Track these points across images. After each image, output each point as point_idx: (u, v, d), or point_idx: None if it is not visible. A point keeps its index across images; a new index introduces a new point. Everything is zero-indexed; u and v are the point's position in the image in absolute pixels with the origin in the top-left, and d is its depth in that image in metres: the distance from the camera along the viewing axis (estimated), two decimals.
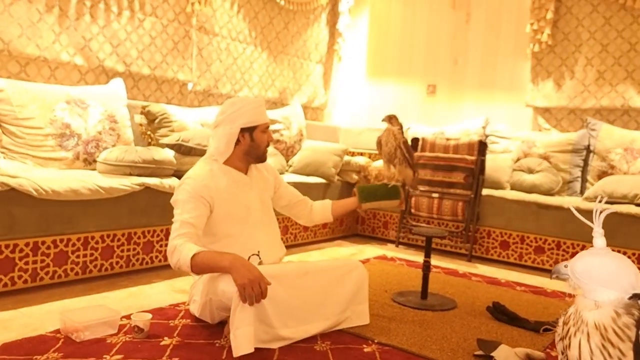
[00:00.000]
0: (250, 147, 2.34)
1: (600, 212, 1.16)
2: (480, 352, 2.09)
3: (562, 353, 1.17)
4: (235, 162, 2.36)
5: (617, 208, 3.56)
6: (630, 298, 1.09)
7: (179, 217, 2.14)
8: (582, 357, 1.09)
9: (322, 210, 2.63)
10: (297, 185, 4.05)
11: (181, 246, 2.02)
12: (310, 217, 2.64)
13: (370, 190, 2.57)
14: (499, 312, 2.63)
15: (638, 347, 1.04)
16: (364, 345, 2.17)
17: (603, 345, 1.07)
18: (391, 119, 2.65)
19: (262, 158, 2.40)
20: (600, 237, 1.15)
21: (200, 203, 2.19)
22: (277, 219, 2.53)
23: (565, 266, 1.17)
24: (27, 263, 2.53)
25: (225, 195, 2.27)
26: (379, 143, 2.65)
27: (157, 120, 3.74)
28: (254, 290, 1.88)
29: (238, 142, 2.32)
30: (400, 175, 2.61)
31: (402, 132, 2.64)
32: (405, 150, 2.58)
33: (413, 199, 4.37)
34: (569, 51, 4.65)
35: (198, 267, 2.00)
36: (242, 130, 2.30)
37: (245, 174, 2.40)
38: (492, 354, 2.04)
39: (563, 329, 1.16)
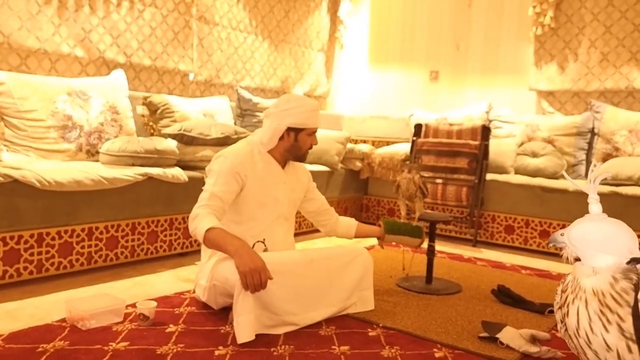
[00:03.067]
0: (292, 146, 2.36)
1: (595, 178, 1.16)
2: (485, 334, 2.09)
3: (561, 322, 1.16)
4: (275, 154, 2.40)
5: (621, 189, 3.55)
6: (628, 263, 1.09)
7: (210, 188, 2.18)
8: (580, 324, 1.09)
9: (347, 227, 2.68)
10: None
11: (202, 216, 2.08)
12: (335, 228, 2.68)
13: (396, 225, 2.70)
14: (504, 295, 2.63)
15: (636, 310, 1.03)
16: (369, 330, 2.18)
17: (601, 311, 1.06)
18: (410, 170, 2.82)
19: (301, 159, 2.44)
20: (596, 204, 1.14)
21: (234, 179, 2.22)
22: None
23: (562, 234, 1.16)
24: (32, 254, 2.54)
25: (258, 179, 2.30)
26: (398, 186, 2.82)
27: (159, 111, 3.74)
28: (254, 279, 1.90)
29: (282, 138, 2.35)
30: (418, 210, 2.83)
31: (421, 177, 2.82)
32: (425, 189, 2.81)
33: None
34: (572, 33, 4.61)
35: (209, 241, 2.05)
36: (289, 129, 2.32)
37: (283, 167, 2.42)
38: (497, 336, 2.04)
39: (561, 297, 1.15)
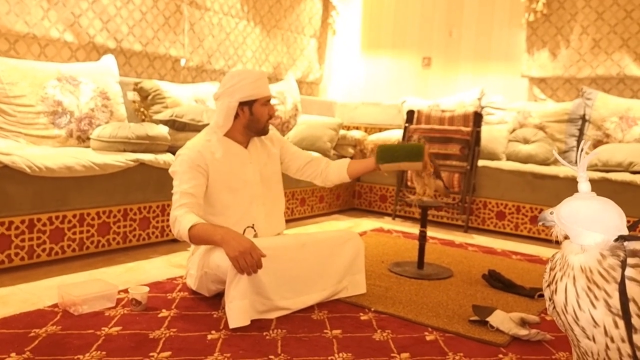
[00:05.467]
0: (250, 120, 2.31)
1: (584, 156, 1.17)
2: (475, 318, 2.11)
3: (550, 299, 1.18)
4: (236, 135, 2.35)
5: (611, 175, 3.58)
6: (615, 240, 1.10)
7: (178, 189, 2.16)
8: (568, 300, 1.10)
9: (338, 170, 2.51)
10: None
11: (181, 217, 2.06)
12: (326, 176, 2.53)
13: (390, 150, 2.42)
14: (494, 280, 2.65)
15: (623, 287, 1.05)
16: (361, 314, 2.19)
17: (589, 288, 1.08)
18: (418, 140, 2.73)
19: (263, 131, 2.38)
20: (585, 182, 1.15)
21: (197, 172, 2.19)
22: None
23: (551, 213, 1.18)
24: (23, 240, 2.53)
25: (221, 165, 2.27)
26: None
27: (150, 97, 3.71)
28: (247, 262, 1.90)
29: (237, 115, 2.30)
30: (431, 187, 2.70)
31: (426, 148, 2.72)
32: (432, 165, 2.67)
33: (409, 171, 4.36)
34: (565, 20, 4.61)
35: (195, 238, 2.05)
36: (241, 104, 2.28)
37: (246, 147, 2.38)
38: (487, 319, 2.06)
39: (550, 275, 1.17)
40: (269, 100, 2.34)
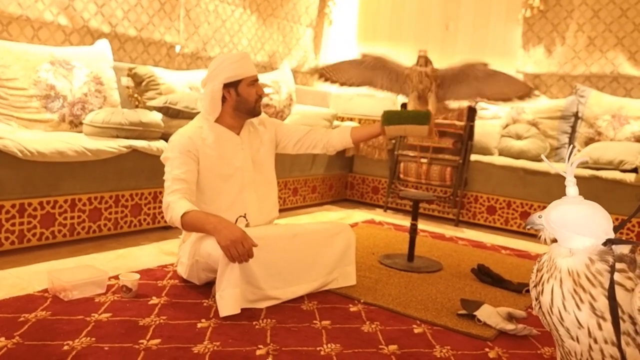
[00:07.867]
0: (238, 102, 2.29)
1: (572, 162, 1.18)
2: (463, 312, 2.14)
3: (536, 299, 1.20)
4: (228, 120, 2.33)
5: (602, 173, 3.60)
6: (604, 244, 1.12)
7: (170, 174, 2.15)
8: (554, 302, 1.13)
9: (341, 135, 2.48)
10: None
11: (174, 203, 2.06)
12: (328, 141, 2.50)
13: (397, 114, 2.39)
14: (483, 274, 2.67)
15: (612, 291, 1.07)
16: (350, 305, 2.21)
17: (575, 290, 1.10)
18: (427, 62, 2.54)
19: (254, 112, 2.35)
20: (573, 186, 1.17)
21: (188, 157, 2.19)
22: None
23: (540, 217, 1.19)
24: (13, 224, 2.52)
25: (211, 151, 2.26)
26: (409, 77, 2.55)
27: (144, 83, 3.68)
28: (238, 251, 1.91)
29: (225, 99, 2.29)
30: (434, 108, 2.50)
31: (434, 70, 2.52)
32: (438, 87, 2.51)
33: (402, 164, 4.39)
34: (561, 17, 4.61)
35: (187, 226, 2.04)
36: (227, 86, 2.26)
37: (238, 133, 2.37)
38: (474, 313, 2.08)
39: (536, 275, 1.19)
40: (255, 80, 2.31)
